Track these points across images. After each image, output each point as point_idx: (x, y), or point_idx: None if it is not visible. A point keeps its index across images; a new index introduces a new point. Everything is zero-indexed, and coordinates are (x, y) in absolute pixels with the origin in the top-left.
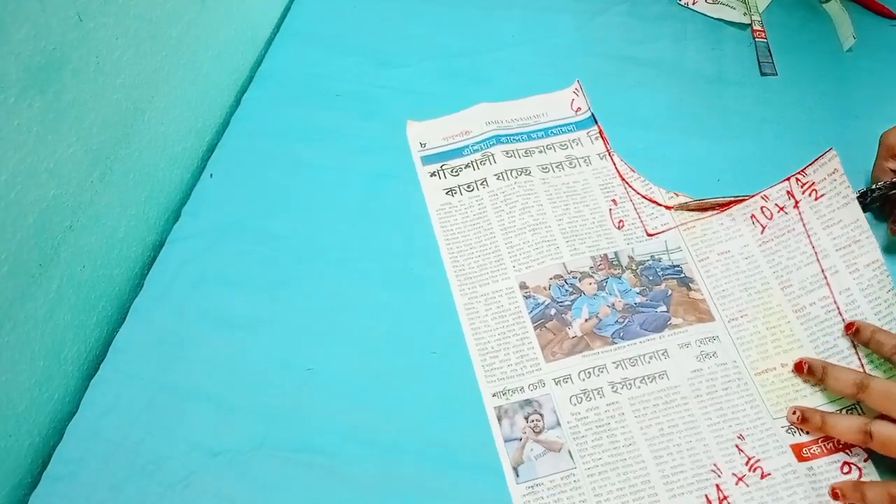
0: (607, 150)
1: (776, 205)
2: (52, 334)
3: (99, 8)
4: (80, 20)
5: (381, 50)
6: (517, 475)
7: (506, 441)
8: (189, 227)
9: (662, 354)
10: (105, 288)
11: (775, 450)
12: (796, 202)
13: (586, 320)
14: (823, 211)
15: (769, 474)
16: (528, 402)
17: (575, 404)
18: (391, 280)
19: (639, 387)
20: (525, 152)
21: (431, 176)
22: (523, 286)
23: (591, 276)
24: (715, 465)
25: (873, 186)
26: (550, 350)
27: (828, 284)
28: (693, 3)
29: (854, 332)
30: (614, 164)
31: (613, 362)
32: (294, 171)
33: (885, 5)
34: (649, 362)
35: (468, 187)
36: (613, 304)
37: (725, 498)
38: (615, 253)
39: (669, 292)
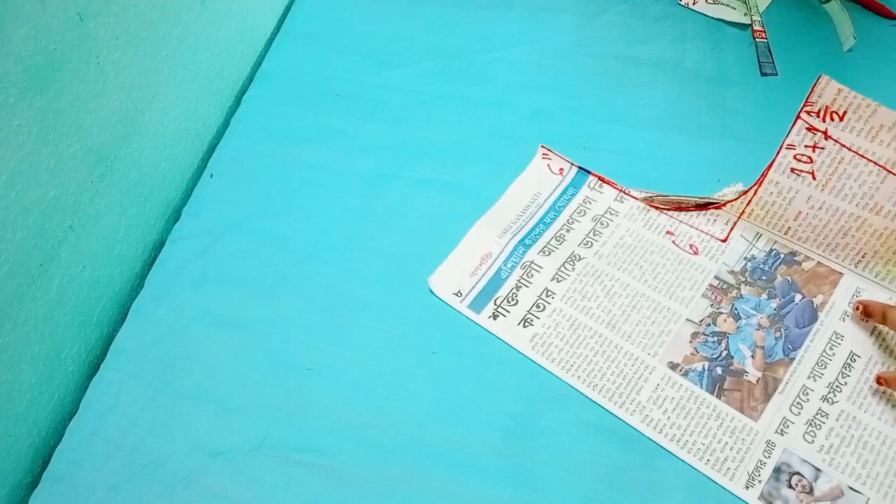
0: (620, 191)
1: (806, 146)
2: (52, 334)
3: (99, 8)
4: (81, 20)
5: (381, 50)
6: None
7: None
8: (189, 227)
9: (837, 338)
10: (105, 288)
11: None
12: (825, 133)
13: (752, 356)
14: (858, 126)
15: None
16: (777, 470)
17: (812, 441)
18: (391, 280)
19: (845, 382)
20: (557, 240)
21: (493, 319)
22: (673, 366)
23: (720, 313)
24: None
25: None
26: (749, 407)
27: None
28: (693, 3)
29: (863, 311)
30: (637, 199)
31: (809, 377)
32: (294, 171)
33: (885, 5)
34: (833, 353)
35: (538, 307)
36: (760, 325)
37: None
38: (715, 277)
39: (790, 279)
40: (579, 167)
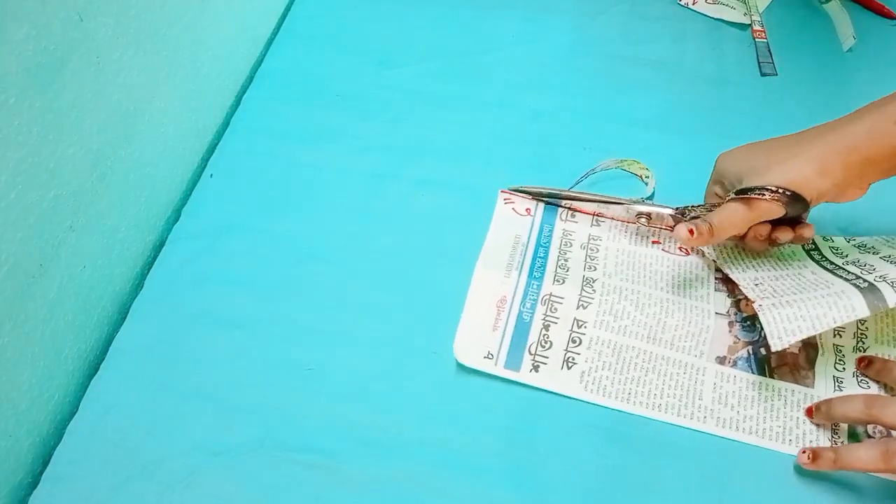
0: (592, 215)
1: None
2: (52, 334)
3: (99, 8)
4: (81, 20)
5: (381, 50)
6: None
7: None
8: (189, 227)
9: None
10: (105, 288)
11: None
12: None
13: None
14: None
15: None
16: (853, 427)
17: (868, 387)
18: (391, 280)
19: (867, 328)
20: (562, 268)
21: (535, 371)
22: (721, 360)
23: (739, 299)
24: None
25: (691, 206)
26: (801, 377)
27: None
28: (693, 3)
29: (866, 365)
30: (613, 219)
31: (837, 336)
32: (294, 171)
33: (885, 5)
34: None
35: (574, 342)
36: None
37: None
38: (718, 270)
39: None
40: (546, 202)
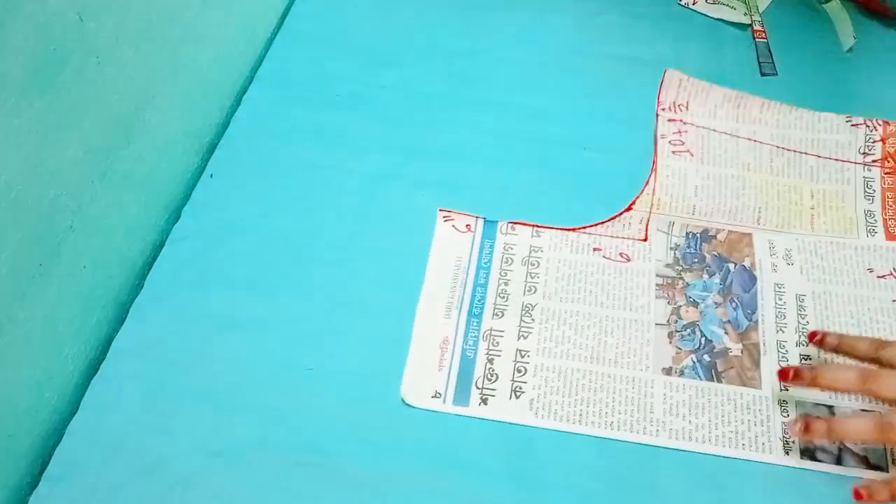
0: (534, 227)
1: (674, 132)
2: (52, 334)
3: (99, 8)
4: (81, 20)
5: (381, 50)
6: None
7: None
8: (189, 227)
9: (780, 288)
10: (105, 288)
11: None
12: (682, 120)
13: (726, 332)
14: (700, 109)
15: None
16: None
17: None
18: (390, 280)
19: (807, 322)
20: (501, 297)
21: (484, 404)
22: (668, 371)
23: (679, 306)
24: None
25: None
26: (748, 378)
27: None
28: (693, 4)
29: (820, 340)
30: (554, 229)
31: (777, 331)
32: (294, 171)
33: (886, 5)
34: (784, 302)
35: (519, 371)
36: (716, 303)
37: None
38: (657, 275)
39: (716, 252)
40: (485, 218)
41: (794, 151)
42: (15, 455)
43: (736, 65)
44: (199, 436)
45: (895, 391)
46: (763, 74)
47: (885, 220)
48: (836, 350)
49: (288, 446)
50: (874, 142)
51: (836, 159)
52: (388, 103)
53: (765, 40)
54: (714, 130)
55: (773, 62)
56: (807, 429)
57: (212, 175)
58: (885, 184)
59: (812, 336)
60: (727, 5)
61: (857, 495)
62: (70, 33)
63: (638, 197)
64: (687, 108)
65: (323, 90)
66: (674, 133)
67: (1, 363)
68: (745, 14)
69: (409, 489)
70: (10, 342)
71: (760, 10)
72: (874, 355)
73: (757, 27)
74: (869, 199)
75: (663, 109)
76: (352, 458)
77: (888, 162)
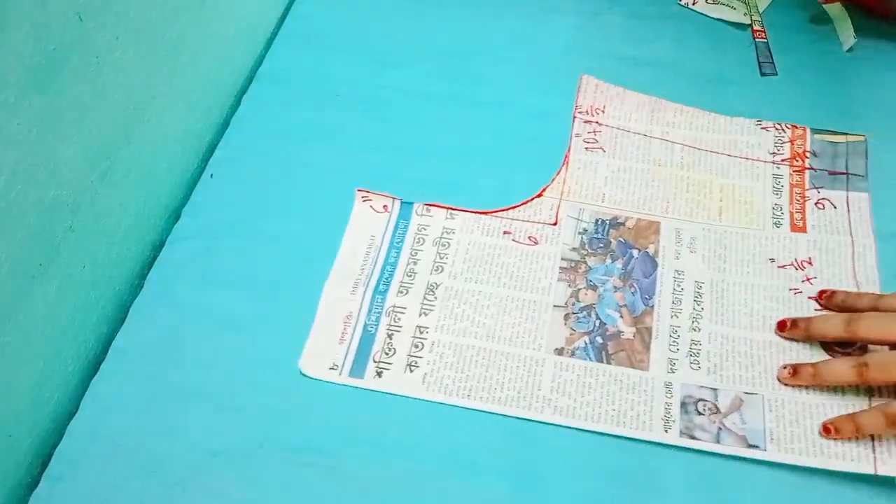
0: (449, 209)
1: (588, 132)
2: (52, 334)
3: (99, 8)
4: (80, 20)
5: (381, 50)
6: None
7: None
8: (189, 227)
9: (679, 275)
10: (105, 288)
11: None
12: (597, 122)
13: (621, 316)
14: (616, 113)
15: None
16: (684, 404)
17: (698, 368)
18: None
19: (702, 308)
20: (409, 275)
21: (379, 376)
22: (560, 351)
23: (579, 289)
24: None
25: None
26: (637, 361)
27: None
28: (693, 3)
29: (828, 297)
30: (468, 212)
31: (671, 316)
32: (294, 171)
33: (885, 5)
34: (682, 288)
35: (417, 346)
36: (615, 287)
37: None
38: (562, 259)
39: (622, 238)
40: (402, 200)
41: (706, 150)
42: (15, 455)
43: (736, 65)
44: (199, 436)
45: (873, 331)
46: (763, 74)
47: (791, 213)
48: (842, 306)
49: (288, 446)
50: (783, 143)
51: (747, 158)
52: (387, 103)
53: (765, 40)
54: (628, 131)
55: (773, 62)
56: (794, 373)
57: (212, 175)
58: (793, 180)
59: (821, 294)
60: (727, 5)
61: (826, 430)
62: (70, 33)
63: (548, 185)
64: (603, 111)
65: (323, 90)
66: (588, 133)
67: (1, 363)
68: (745, 14)
69: (409, 489)
70: (10, 342)
71: (760, 10)
72: (874, 305)
73: (757, 27)
74: (777, 195)
75: (580, 112)
76: (352, 458)
77: (796, 161)
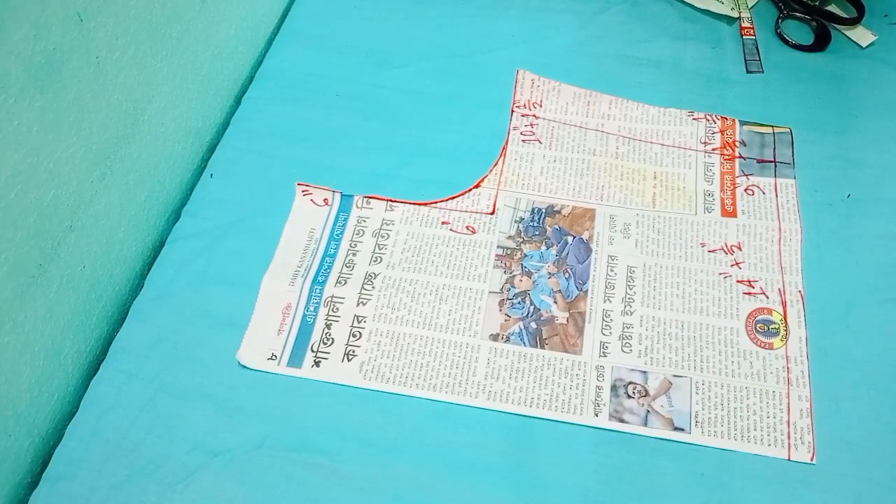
0: (388, 201)
1: (526, 125)
2: (52, 334)
3: (99, 8)
4: (80, 20)
5: (381, 50)
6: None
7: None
8: (189, 227)
9: (613, 260)
10: (105, 288)
11: None
12: (535, 115)
13: (555, 302)
14: (553, 105)
15: None
16: (614, 388)
17: (630, 351)
18: None
19: (634, 293)
20: (347, 266)
21: (317, 366)
22: (495, 337)
23: (514, 275)
24: None
25: None
26: (570, 345)
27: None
28: None
29: None
30: (407, 203)
31: (605, 301)
32: (294, 171)
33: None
34: (615, 273)
35: (354, 335)
36: (550, 273)
37: None
38: (498, 247)
39: (558, 226)
40: (342, 193)
41: (640, 140)
42: (15, 455)
43: (736, 64)
44: (199, 436)
45: None
46: (749, 72)
47: (722, 199)
48: None
49: (288, 446)
50: (713, 133)
51: (679, 147)
52: (387, 103)
53: (752, 37)
54: (564, 123)
55: (759, 59)
56: None
57: (212, 175)
58: (723, 168)
59: None
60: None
61: None
62: (70, 33)
63: (486, 176)
64: (541, 105)
65: (323, 90)
66: (526, 126)
67: (1, 363)
68: (733, 9)
69: (409, 489)
70: (10, 342)
71: (749, 6)
72: None
73: (745, 24)
74: (708, 181)
75: (518, 107)
76: (352, 458)
77: (726, 150)
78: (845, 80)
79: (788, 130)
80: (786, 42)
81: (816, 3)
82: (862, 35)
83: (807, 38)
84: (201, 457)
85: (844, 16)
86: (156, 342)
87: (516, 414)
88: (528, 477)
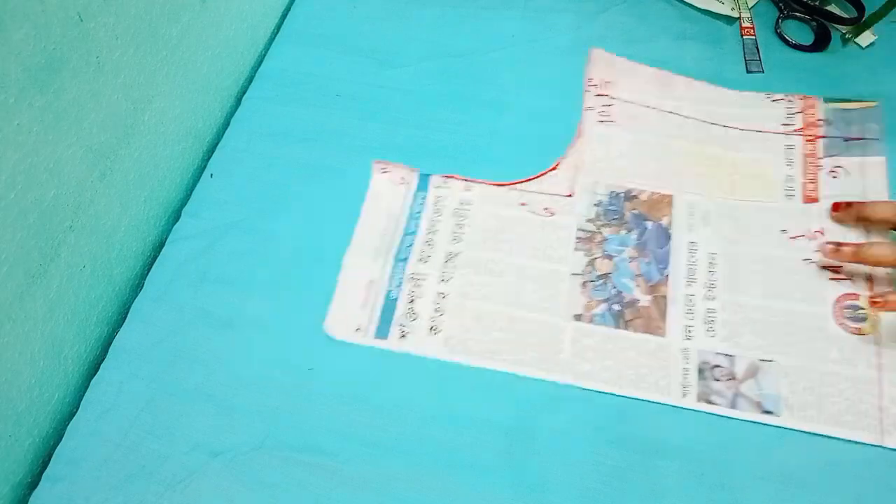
0: (466, 181)
1: (601, 105)
2: (52, 334)
3: (99, 8)
4: (80, 20)
5: (381, 50)
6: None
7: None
8: (189, 227)
9: (693, 246)
10: (105, 288)
11: None
12: (609, 95)
13: (637, 285)
14: (627, 86)
15: None
16: (701, 370)
17: (714, 335)
18: None
19: (716, 278)
20: (428, 245)
21: (403, 338)
22: (578, 317)
23: (595, 258)
24: None
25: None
26: (654, 328)
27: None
28: None
29: (846, 205)
30: (485, 184)
31: (687, 285)
32: (294, 171)
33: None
34: (695, 259)
35: (438, 311)
36: (631, 257)
37: None
38: (578, 229)
39: (636, 210)
40: (420, 171)
41: (717, 125)
42: (15, 455)
43: (736, 64)
44: (199, 436)
45: None
46: (749, 72)
47: (803, 184)
48: (859, 216)
49: (288, 446)
50: (794, 113)
51: (758, 130)
52: (387, 103)
53: (753, 37)
54: (640, 105)
55: (759, 59)
56: (837, 250)
57: (212, 175)
58: (805, 150)
59: (836, 207)
60: None
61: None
62: (70, 33)
63: (563, 158)
64: (614, 85)
65: (323, 90)
66: (602, 106)
67: (1, 363)
68: (733, 9)
69: (409, 489)
70: (10, 342)
71: (749, 6)
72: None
73: (745, 24)
74: (789, 166)
75: (592, 86)
76: (352, 458)
77: (809, 131)
78: (845, 80)
79: (875, 105)
80: (786, 42)
81: (816, 3)
82: (862, 35)
83: (807, 38)
84: (201, 457)
85: (844, 16)
86: (156, 342)
87: (603, 392)
88: (527, 477)
